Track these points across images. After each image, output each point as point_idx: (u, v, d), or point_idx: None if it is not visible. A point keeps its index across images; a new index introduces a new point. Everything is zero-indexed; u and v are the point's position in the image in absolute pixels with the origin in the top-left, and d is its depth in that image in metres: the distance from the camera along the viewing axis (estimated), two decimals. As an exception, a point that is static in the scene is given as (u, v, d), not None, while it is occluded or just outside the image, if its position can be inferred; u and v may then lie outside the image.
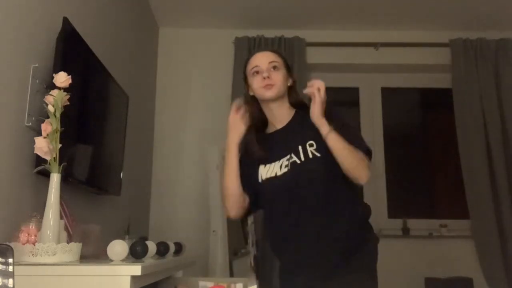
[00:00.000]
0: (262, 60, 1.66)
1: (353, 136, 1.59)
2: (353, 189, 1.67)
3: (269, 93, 1.63)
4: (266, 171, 1.66)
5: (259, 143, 1.69)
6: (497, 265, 3.20)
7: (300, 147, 1.62)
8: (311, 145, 1.61)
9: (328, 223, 1.61)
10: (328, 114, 1.59)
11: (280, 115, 1.70)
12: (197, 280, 2.19)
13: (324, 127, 1.56)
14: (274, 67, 1.65)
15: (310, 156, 1.60)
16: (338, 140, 1.54)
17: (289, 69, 1.72)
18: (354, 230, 1.64)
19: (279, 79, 1.64)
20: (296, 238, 1.64)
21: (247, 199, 1.70)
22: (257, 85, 1.65)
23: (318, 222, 1.61)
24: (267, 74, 1.62)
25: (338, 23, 3.61)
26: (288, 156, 1.62)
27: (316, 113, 1.57)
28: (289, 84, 1.71)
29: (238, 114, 1.68)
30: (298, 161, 1.60)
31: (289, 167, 1.61)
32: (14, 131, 1.54)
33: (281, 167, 1.63)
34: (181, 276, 2.30)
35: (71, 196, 1.80)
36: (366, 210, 1.73)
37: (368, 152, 1.59)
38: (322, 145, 1.58)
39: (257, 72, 1.65)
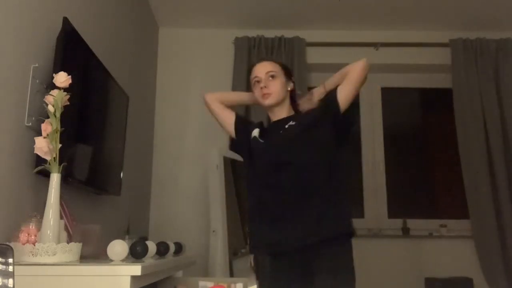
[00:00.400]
0: (261, 70, 1.88)
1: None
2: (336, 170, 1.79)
3: (267, 102, 1.85)
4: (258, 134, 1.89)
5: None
6: (497, 265, 3.20)
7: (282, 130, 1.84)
8: (289, 122, 1.85)
9: (302, 191, 1.73)
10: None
11: (279, 115, 1.90)
12: (197, 280, 2.19)
13: (319, 88, 1.92)
14: (272, 76, 1.85)
15: (287, 127, 1.83)
16: (331, 81, 1.90)
17: (288, 74, 1.92)
18: (327, 199, 1.74)
19: (275, 87, 1.85)
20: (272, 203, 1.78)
21: (227, 114, 1.98)
22: (257, 94, 1.88)
23: (294, 189, 1.74)
24: (263, 84, 1.84)
25: (338, 23, 3.61)
26: None
27: (314, 92, 1.94)
28: (289, 89, 1.91)
29: None
30: (280, 137, 1.83)
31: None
32: (14, 131, 1.54)
33: None
34: (181, 276, 2.30)
35: (71, 196, 1.80)
36: (345, 191, 1.81)
37: None
38: (299, 120, 1.84)
39: (258, 82, 1.88)
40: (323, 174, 1.74)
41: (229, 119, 1.97)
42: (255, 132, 1.90)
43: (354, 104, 1.87)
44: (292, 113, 1.91)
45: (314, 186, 1.73)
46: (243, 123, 1.99)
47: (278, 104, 1.87)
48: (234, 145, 2.02)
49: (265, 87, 1.83)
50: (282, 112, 1.89)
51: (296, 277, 1.73)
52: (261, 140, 1.86)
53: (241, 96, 2.16)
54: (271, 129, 1.91)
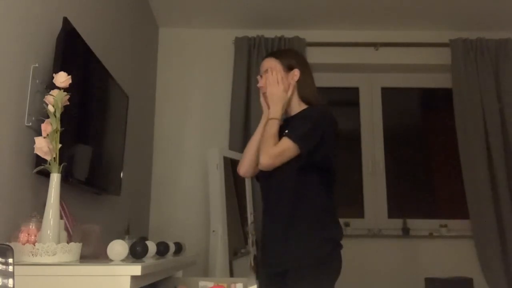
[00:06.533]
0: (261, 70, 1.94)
1: (293, 129, 1.71)
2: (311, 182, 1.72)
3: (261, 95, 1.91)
4: None
5: None
6: (497, 265, 3.20)
7: None
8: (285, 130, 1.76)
9: (274, 205, 1.77)
10: (302, 111, 1.80)
11: (291, 111, 1.87)
12: (197, 280, 2.18)
13: (271, 109, 1.79)
14: (265, 70, 1.88)
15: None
16: (268, 126, 1.73)
17: (289, 66, 1.86)
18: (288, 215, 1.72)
19: (267, 82, 1.85)
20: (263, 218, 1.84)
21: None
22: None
23: (272, 200, 1.79)
24: (259, 78, 1.93)
25: (338, 23, 3.61)
26: None
27: (267, 94, 1.83)
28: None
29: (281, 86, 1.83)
30: None
31: None
32: (14, 131, 1.54)
33: None
34: (181, 276, 2.30)
35: (71, 196, 1.80)
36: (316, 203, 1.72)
37: (293, 139, 1.67)
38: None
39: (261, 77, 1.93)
40: (286, 201, 1.71)
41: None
42: None
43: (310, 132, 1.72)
44: (301, 108, 1.83)
45: (279, 212, 1.73)
46: None
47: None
48: None
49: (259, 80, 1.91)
50: (290, 107, 1.86)
51: None
52: None
53: (259, 130, 1.89)
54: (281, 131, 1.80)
